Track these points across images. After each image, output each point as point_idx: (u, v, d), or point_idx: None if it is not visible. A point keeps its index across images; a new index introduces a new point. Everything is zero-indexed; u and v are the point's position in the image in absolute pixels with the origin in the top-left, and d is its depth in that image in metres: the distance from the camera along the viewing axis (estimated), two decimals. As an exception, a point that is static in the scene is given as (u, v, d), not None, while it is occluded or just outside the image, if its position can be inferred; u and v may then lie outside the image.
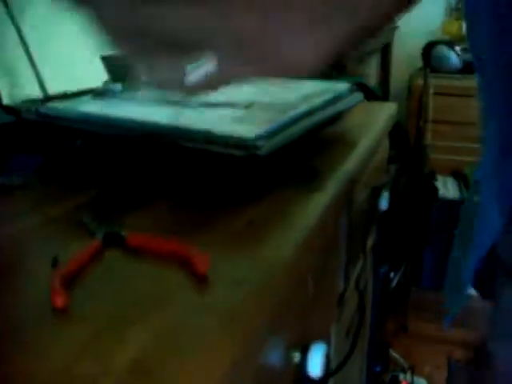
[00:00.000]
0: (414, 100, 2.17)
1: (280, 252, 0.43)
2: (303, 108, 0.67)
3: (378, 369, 1.67)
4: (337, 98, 0.80)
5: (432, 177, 2.07)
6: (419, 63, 2.38)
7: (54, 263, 0.42)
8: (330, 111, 0.74)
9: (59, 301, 0.35)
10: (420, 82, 2.16)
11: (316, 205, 0.54)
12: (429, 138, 2.11)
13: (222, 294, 0.37)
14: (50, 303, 0.35)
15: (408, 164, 1.87)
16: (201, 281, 0.38)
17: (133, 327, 0.34)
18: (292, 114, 0.63)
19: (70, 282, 0.39)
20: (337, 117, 0.79)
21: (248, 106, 0.67)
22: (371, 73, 2.19)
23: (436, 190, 1.98)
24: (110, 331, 0.34)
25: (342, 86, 0.88)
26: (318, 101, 0.73)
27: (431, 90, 2.10)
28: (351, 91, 0.87)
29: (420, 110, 2.11)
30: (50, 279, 0.37)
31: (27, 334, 0.34)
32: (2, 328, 0.34)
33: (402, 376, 1.84)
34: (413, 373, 1.84)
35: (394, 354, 1.95)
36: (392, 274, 2.03)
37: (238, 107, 0.67)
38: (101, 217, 0.50)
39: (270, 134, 0.55)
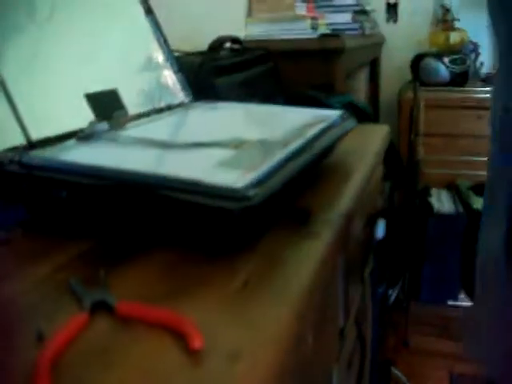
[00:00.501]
0: (405, 114, 2.16)
1: (278, 317, 0.41)
2: (295, 146, 0.65)
3: (380, 390, 1.65)
4: (329, 128, 0.78)
5: (426, 192, 2.05)
6: (407, 76, 2.38)
7: (39, 339, 0.40)
8: (323, 144, 0.72)
9: (43, 392, 0.32)
10: (410, 95, 2.15)
11: (312, 253, 0.52)
12: (421, 152, 2.10)
13: (218, 370, 0.35)
14: (33, 392, 0.33)
15: (401, 180, 1.85)
16: (195, 357, 0.36)
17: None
18: (284, 154, 0.61)
19: (56, 363, 0.36)
20: (330, 149, 0.77)
21: (237, 145, 0.65)
22: (360, 87, 2.18)
23: (430, 205, 1.97)
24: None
25: (333, 113, 0.86)
26: (309, 134, 0.71)
27: (422, 103, 2.09)
28: (343, 118, 0.86)
29: (411, 124, 2.10)
30: (36, 364, 0.35)
31: None
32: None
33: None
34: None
35: (395, 371, 1.92)
36: (390, 291, 2.01)
37: (226, 147, 0.65)
38: (87, 277, 0.48)
39: (261, 181, 0.53)
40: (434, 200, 2.02)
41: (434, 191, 2.10)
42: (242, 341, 0.38)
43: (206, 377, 0.34)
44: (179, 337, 0.38)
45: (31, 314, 0.43)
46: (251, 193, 0.50)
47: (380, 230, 0.91)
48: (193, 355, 0.36)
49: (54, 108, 0.73)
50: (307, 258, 0.51)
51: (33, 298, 0.46)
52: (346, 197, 0.67)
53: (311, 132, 0.73)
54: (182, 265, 0.50)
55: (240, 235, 0.54)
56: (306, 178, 0.68)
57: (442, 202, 2.02)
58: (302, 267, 0.49)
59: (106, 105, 0.82)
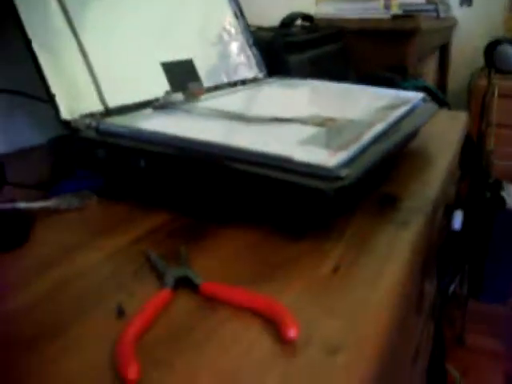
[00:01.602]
0: (476, 102, 2.05)
1: (371, 307, 0.38)
2: (381, 127, 0.61)
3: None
4: (412, 111, 0.73)
5: (498, 185, 1.95)
6: (479, 62, 2.26)
7: (120, 313, 0.38)
8: (409, 127, 0.67)
9: (131, 371, 0.30)
10: (482, 82, 2.05)
11: (403, 243, 0.48)
12: (491, 143, 2.00)
13: (317, 363, 0.32)
14: (116, 371, 0.31)
15: (472, 170, 1.77)
16: (289, 347, 0.33)
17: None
18: (371, 135, 0.57)
19: (140, 340, 0.34)
20: (415, 133, 0.72)
21: (319, 122, 0.62)
22: (429, 72, 2.09)
23: (502, 199, 1.87)
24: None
25: (413, 95, 0.81)
26: (394, 116, 0.67)
27: (495, 92, 1.98)
28: (424, 101, 0.81)
29: (481, 113, 2.00)
30: (118, 341, 0.33)
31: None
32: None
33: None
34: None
35: (448, 366, 1.86)
36: (451, 284, 1.94)
37: (308, 123, 0.61)
38: (166, 251, 0.46)
39: (352, 161, 0.50)
40: (504, 194, 1.92)
41: (505, 184, 1.99)
42: (339, 333, 0.35)
43: (304, 369, 0.31)
44: (268, 322, 0.36)
45: (109, 288, 0.41)
46: (343, 173, 0.47)
47: (457, 221, 0.86)
48: (287, 344, 0.33)
49: (130, 75, 0.71)
50: (398, 248, 0.47)
51: (110, 270, 0.44)
52: (434, 184, 0.63)
53: (395, 114, 0.68)
54: (265, 244, 0.47)
55: (328, 216, 0.50)
56: (391, 161, 0.64)
57: (511, 196, 1.92)
58: (394, 256, 0.46)
59: (182, 75, 0.80)
